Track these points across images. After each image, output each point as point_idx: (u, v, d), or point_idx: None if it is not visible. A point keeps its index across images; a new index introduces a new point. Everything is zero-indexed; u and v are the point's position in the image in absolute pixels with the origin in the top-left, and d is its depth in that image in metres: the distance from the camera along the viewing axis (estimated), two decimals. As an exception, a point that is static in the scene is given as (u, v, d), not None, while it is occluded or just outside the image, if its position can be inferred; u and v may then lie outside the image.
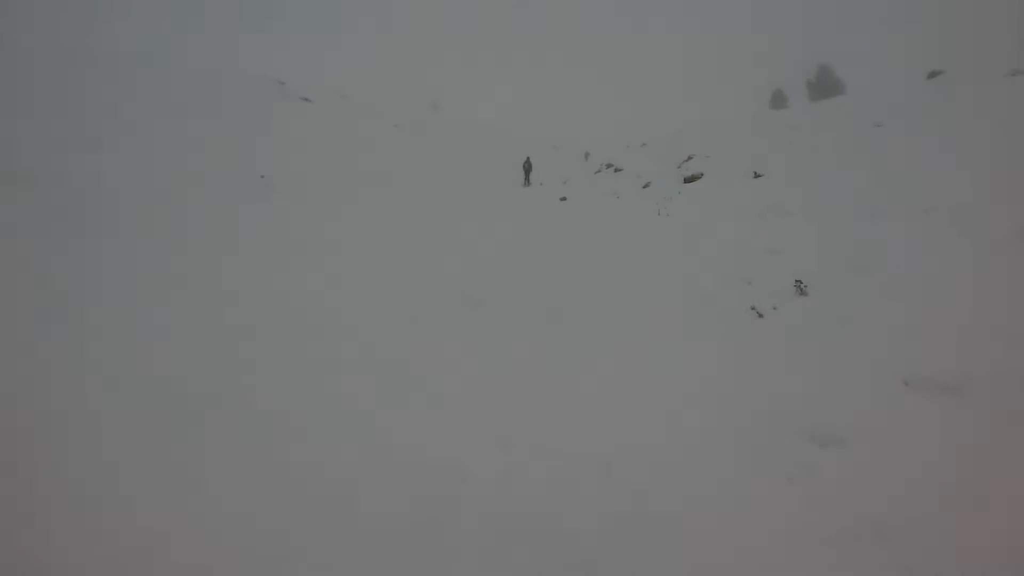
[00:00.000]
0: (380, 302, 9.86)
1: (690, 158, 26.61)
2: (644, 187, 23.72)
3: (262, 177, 16.36)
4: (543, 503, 5.12)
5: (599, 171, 33.95)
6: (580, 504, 5.07)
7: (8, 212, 8.83)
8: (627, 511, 4.93)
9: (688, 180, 22.04)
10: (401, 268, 12.01)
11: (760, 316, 8.58)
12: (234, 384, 6.49)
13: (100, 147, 13.68)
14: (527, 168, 34.78)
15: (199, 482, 4.84)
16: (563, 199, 25.05)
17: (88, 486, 4.53)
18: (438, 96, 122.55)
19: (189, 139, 18.13)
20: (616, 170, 31.61)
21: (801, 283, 9.11)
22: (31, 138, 12.42)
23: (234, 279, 9.36)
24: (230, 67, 53.85)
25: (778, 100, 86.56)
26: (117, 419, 5.40)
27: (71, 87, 19.25)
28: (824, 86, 79.87)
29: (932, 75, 34.31)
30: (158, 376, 6.28)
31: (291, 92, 41.47)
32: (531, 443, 6.14)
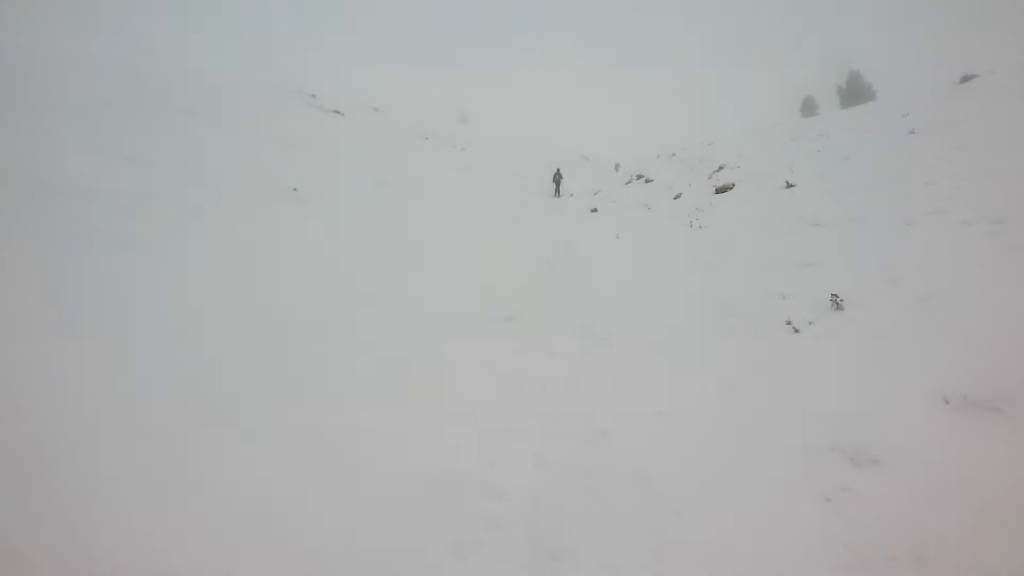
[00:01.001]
0: (407, 317, 9.89)
1: (721, 168, 26.44)
2: (675, 198, 23.62)
3: (294, 190, 16.45)
4: (578, 523, 5.13)
5: (629, 182, 33.87)
6: (617, 524, 5.08)
7: (41, 221, 8.94)
8: (663, 531, 4.93)
9: (720, 191, 21.88)
10: (429, 282, 12.04)
11: (796, 331, 8.50)
12: (254, 396, 6.54)
13: (133, 159, 13.81)
14: (557, 179, 34.78)
15: (225, 504, 4.88)
16: (594, 210, 25.03)
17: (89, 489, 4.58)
18: (466, 108, 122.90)
19: (221, 151, 18.27)
20: (647, 181, 31.50)
21: (837, 297, 8.96)
22: (63, 150, 12.58)
23: (259, 291, 9.42)
24: (262, 80, 54.37)
25: (808, 107, 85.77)
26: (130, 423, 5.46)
27: (102, 101, 19.47)
28: (855, 92, 78.84)
29: (965, 79, 33.81)
30: (179, 382, 6.33)
31: (323, 105, 41.76)
32: (567, 461, 6.17)
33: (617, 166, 49.43)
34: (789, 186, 18.70)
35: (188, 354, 6.88)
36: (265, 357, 7.39)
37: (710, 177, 25.54)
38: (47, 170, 10.91)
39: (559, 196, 33.60)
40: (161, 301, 7.89)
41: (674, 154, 39.41)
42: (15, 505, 4.18)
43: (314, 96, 45.54)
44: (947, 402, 6.04)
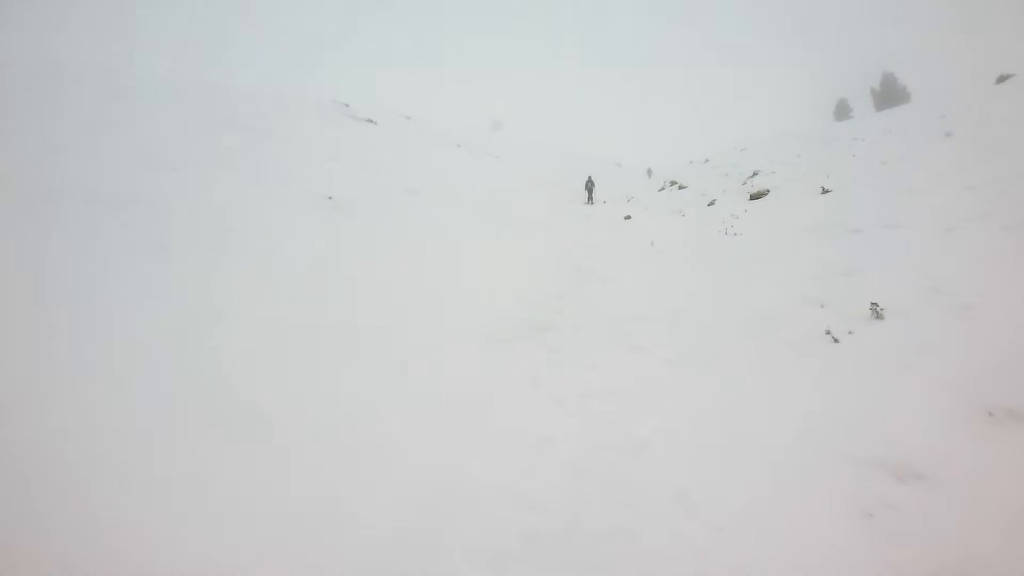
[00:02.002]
0: (441, 325, 9.88)
1: (755, 174, 26.22)
2: (709, 205, 23.47)
3: (330, 198, 16.55)
4: (617, 537, 5.09)
5: (663, 188, 33.67)
6: (658, 540, 5.03)
7: (86, 231, 9.07)
8: (705, 547, 4.87)
9: (754, 197, 21.71)
10: (463, 291, 12.02)
11: (836, 341, 8.35)
12: (282, 402, 6.54)
13: (174, 168, 14.01)
14: (589, 187, 34.62)
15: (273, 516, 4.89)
16: (627, 218, 24.88)
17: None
18: (499, 116, 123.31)
19: (258, 162, 18.47)
20: (680, 187, 31.31)
21: (877, 306, 8.80)
22: (107, 158, 12.77)
23: (293, 298, 9.46)
24: (296, 90, 54.94)
25: (842, 111, 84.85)
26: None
27: (145, 113, 19.76)
28: (889, 94, 77.88)
29: (1001, 79, 33.33)
30: (234, 393, 6.36)
31: (356, 114, 42.03)
32: (603, 473, 6.12)
33: (650, 172, 49.17)
34: (825, 192, 18.52)
35: (208, 358, 6.92)
36: (294, 364, 7.41)
37: (744, 183, 25.35)
38: (96, 180, 11.11)
39: (592, 203, 33.42)
40: (190, 306, 7.97)
41: (707, 160, 39.24)
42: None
43: (347, 105, 45.85)
44: (991, 415, 5.91)
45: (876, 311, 8.76)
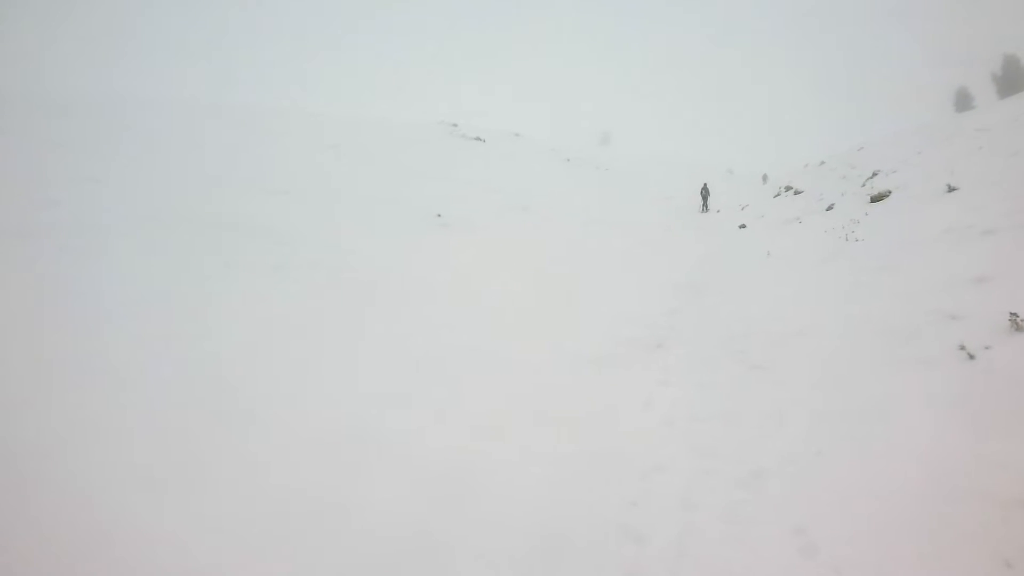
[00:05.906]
0: (550, 345, 9.77)
1: (875, 175, 24.99)
2: (827, 210, 22.52)
3: (439, 216, 16.81)
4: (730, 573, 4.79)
5: (778, 195, 32.70)
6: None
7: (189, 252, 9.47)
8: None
9: (875, 199, 20.59)
10: (577, 306, 11.92)
11: (971, 357, 7.58)
12: (394, 425, 6.63)
13: (287, 192, 14.53)
14: (704, 195, 34.26)
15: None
16: (742, 227, 24.34)
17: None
18: (608, 130, 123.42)
19: (369, 183, 19.07)
20: (796, 192, 30.28)
21: (1017, 316, 7.84)
22: (222, 187, 13.28)
23: (392, 320, 9.63)
24: (402, 113, 56.56)
25: (962, 100, 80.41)
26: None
27: (255, 141, 20.64)
28: (1012, 78, 73.60)
29: None
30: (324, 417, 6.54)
31: (464, 133, 42.93)
32: (717, 504, 5.83)
33: (765, 178, 48.29)
34: (951, 190, 17.39)
35: (300, 381, 7.06)
36: (398, 390, 7.50)
37: (863, 185, 24.25)
38: (209, 206, 11.55)
39: (706, 212, 33.10)
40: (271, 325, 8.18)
41: (823, 162, 38.04)
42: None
43: (455, 125, 46.88)
44: None
45: (1016, 323, 7.81)
